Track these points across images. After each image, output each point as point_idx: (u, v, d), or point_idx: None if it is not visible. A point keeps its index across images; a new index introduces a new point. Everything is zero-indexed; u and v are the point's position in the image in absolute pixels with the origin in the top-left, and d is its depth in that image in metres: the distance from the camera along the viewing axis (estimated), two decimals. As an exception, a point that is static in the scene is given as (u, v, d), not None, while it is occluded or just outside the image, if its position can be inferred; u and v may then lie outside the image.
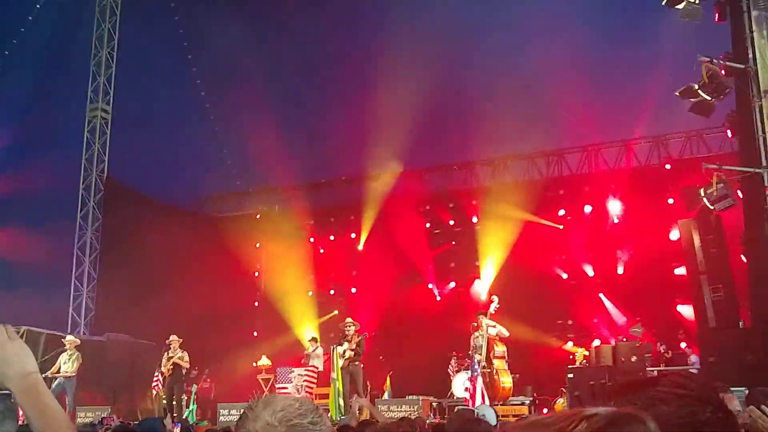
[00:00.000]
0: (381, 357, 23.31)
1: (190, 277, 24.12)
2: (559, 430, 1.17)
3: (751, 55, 13.29)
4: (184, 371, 18.05)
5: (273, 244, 27.18)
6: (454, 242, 25.49)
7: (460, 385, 18.03)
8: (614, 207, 23.11)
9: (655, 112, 22.33)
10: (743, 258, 15.27)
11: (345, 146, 28.26)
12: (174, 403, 17.68)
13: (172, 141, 25.98)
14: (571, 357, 20.64)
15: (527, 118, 24.81)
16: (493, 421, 9.00)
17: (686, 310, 20.32)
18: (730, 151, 18.58)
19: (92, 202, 24.97)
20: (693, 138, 22.80)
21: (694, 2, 13.59)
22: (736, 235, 15.32)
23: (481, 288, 24.31)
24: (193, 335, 19.45)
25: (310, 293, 26.91)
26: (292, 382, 19.09)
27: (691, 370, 17.88)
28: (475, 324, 16.29)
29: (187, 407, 18.93)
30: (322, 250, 27.16)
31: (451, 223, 25.58)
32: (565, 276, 23.69)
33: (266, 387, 20.17)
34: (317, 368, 19.28)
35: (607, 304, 22.78)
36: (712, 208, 13.67)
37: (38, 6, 24.17)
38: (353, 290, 26.48)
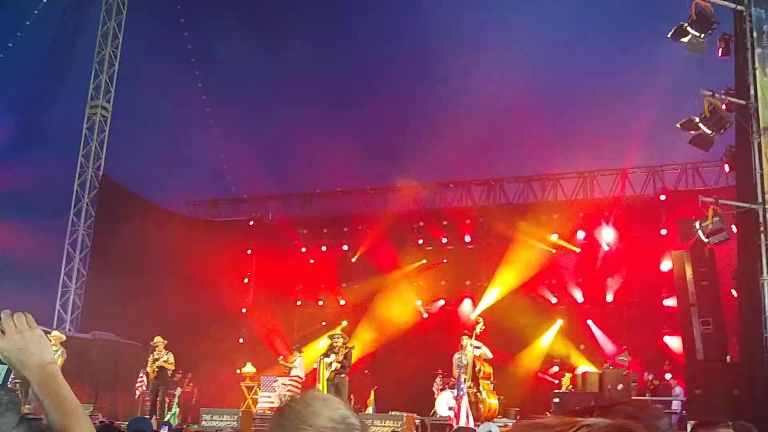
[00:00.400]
0: (366, 371, 23.24)
1: (180, 279, 24.02)
2: None
3: (752, 92, 13.40)
4: (169, 373, 17.97)
5: (264, 251, 27.12)
6: (445, 260, 25.48)
7: (444, 403, 17.96)
8: (607, 234, 23.17)
9: (651, 142, 22.53)
10: (734, 292, 15.36)
11: (341, 158, 28.33)
12: (158, 405, 17.58)
13: (170, 143, 25.98)
14: (557, 382, 20.64)
15: (524, 142, 25.02)
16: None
17: (673, 341, 20.40)
18: (725, 185, 18.73)
19: (86, 199, 24.90)
20: (688, 170, 22.94)
21: (699, 36, 13.72)
22: (727, 269, 15.42)
23: (469, 308, 24.35)
24: (179, 338, 19.36)
25: (299, 303, 26.85)
26: (275, 391, 19.03)
27: (674, 401, 17.98)
28: (461, 343, 16.28)
29: (169, 410, 18.82)
30: (312, 261, 27.09)
31: (444, 240, 25.57)
32: (554, 300, 23.71)
33: (249, 394, 20.09)
34: (301, 378, 19.21)
35: (595, 330, 22.80)
36: (706, 241, 13.75)
37: (44, 1, 24.21)
38: (342, 302, 26.42)
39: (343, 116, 29.06)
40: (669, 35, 14.01)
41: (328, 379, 16.23)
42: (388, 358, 23.67)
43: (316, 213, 27.91)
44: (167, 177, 27.48)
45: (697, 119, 13.58)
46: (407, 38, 26.80)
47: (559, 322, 23.17)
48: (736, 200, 13.93)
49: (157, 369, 17.56)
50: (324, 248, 27.00)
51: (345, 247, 26.67)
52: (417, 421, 16.89)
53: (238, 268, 27.34)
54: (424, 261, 25.56)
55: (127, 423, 8.34)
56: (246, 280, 27.77)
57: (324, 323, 25.56)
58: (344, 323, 24.44)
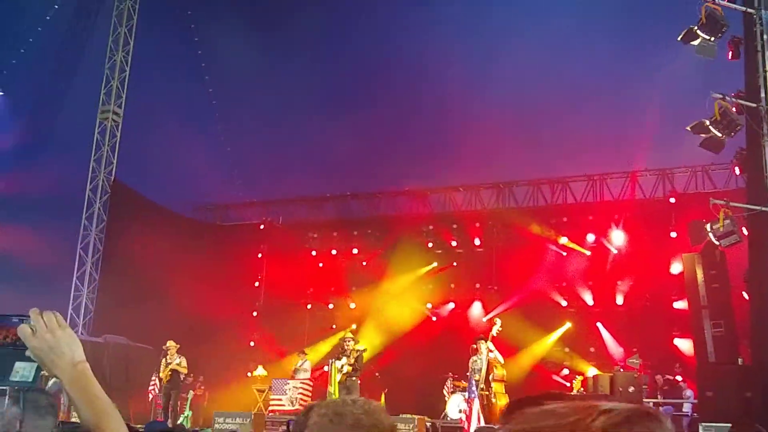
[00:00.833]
0: (377, 374, 23.29)
1: (191, 283, 24.12)
2: (576, 422, 1.14)
3: (763, 94, 13.42)
4: (182, 377, 18.06)
5: (275, 255, 27.20)
6: (455, 263, 25.50)
7: (454, 406, 18.04)
8: (617, 237, 23.17)
9: (661, 145, 22.52)
10: (745, 295, 15.35)
11: (351, 162, 28.45)
12: (170, 408, 17.67)
13: (181, 147, 26.08)
14: (569, 385, 20.65)
15: (533, 145, 25.05)
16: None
17: (683, 344, 20.39)
18: (734, 188, 18.71)
19: (98, 204, 25.04)
20: (698, 173, 22.92)
21: (709, 39, 13.75)
22: (738, 272, 15.41)
23: (479, 311, 24.39)
24: (191, 342, 19.47)
25: (309, 306, 26.93)
26: (286, 393, 19.12)
27: (685, 404, 17.98)
28: (474, 347, 16.31)
29: (182, 413, 18.93)
30: (321, 264, 27.15)
31: (454, 244, 25.61)
32: (564, 303, 23.72)
33: (261, 398, 20.16)
34: (309, 383, 19.35)
35: (605, 333, 22.81)
36: (717, 243, 13.76)
37: (56, 6, 24.40)
38: (352, 305, 26.48)
39: (352, 120, 29.14)
40: (679, 38, 14.04)
41: (339, 382, 16.32)
42: (398, 361, 23.72)
43: (326, 217, 28.00)
44: (178, 181, 27.64)
45: (708, 122, 13.60)
46: (416, 42, 26.85)
47: (569, 325, 23.19)
48: (746, 203, 13.95)
49: (169, 372, 17.65)
50: (334, 252, 27.06)
51: (355, 251, 26.74)
52: (428, 424, 16.93)
53: (249, 272, 27.44)
54: (435, 264, 25.59)
55: (142, 427, 8.41)
56: (257, 284, 27.85)
57: (334, 326, 25.63)
58: (353, 326, 24.50)
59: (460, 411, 16.97)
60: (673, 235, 21.57)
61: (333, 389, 16.30)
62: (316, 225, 27.57)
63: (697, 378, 15.96)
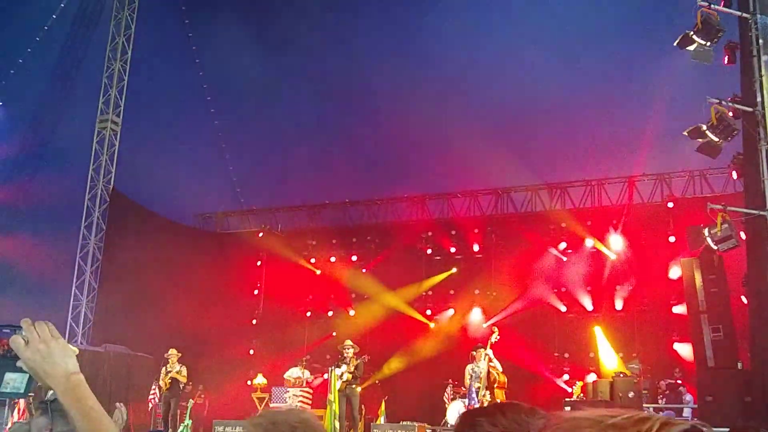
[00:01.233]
0: (377, 381, 23.28)
1: (190, 292, 24.16)
2: None
3: (759, 99, 13.45)
4: (181, 386, 18.06)
5: (274, 263, 27.20)
6: (454, 269, 25.51)
7: (455, 413, 18.00)
8: (615, 242, 23.19)
9: (658, 149, 22.59)
10: (743, 299, 15.38)
11: (349, 169, 28.49)
12: (170, 417, 17.66)
13: (179, 156, 26.16)
14: (570, 390, 20.66)
15: (531, 151, 25.10)
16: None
17: (683, 348, 20.41)
18: (732, 192, 18.76)
19: (97, 213, 25.06)
20: (696, 177, 22.95)
21: (705, 44, 13.80)
22: (737, 276, 15.44)
23: (479, 317, 24.39)
24: (190, 350, 19.47)
25: (309, 314, 26.92)
26: (286, 402, 19.09)
27: (685, 409, 17.97)
28: (473, 354, 16.31)
29: (182, 422, 18.91)
30: (318, 272, 27.14)
31: (452, 250, 25.62)
32: (563, 309, 23.73)
33: (261, 406, 20.14)
34: (310, 389, 19.34)
35: (605, 338, 22.81)
36: (715, 248, 13.78)
37: (54, 16, 24.47)
38: (351, 312, 26.48)
39: (350, 127, 29.23)
40: (675, 44, 14.09)
41: (339, 390, 16.30)
42: (398, 368, 23.73)
43: (324, 224, 28.01)
44: (177, 190, 27.64)
45: (704, 127, 13.64)
46: (414, 47, 26.96)
47: (569, 330, 23.20)
48: (744, 207, 13.98)
49: (169, 381, 17.64)
50: (333, 259, 27.05)
51: (354, 258, 26.75)
52: (428, 431, 16.93)
53: (248, 280, 27.43)
54: (455, 269, 25.48)
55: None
56: (256, 292, 27.84)
57: (334, 334, 25.60)
58: (333, 334, 24.64)
59: (461, 417, 16.94)
60: (672, 239, 21.61)
61: (333, 397, 16.29)
62: (314, 232, 27.55)
63: (697, 383, 15.97)
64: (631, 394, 16.10)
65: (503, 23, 26.47)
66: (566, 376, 22.46)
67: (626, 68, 26.22)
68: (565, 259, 23.78)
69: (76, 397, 1.99)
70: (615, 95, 25.60)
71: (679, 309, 20.05)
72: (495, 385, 15.76)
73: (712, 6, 13.98)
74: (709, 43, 13.77)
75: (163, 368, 17.98)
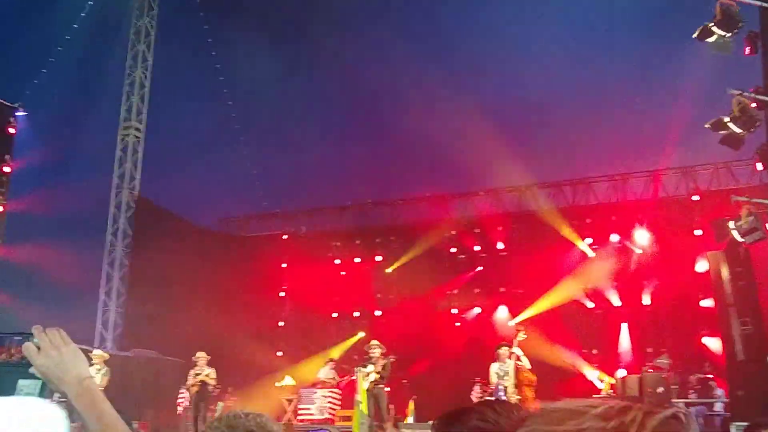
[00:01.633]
0: (404, 381, 23.29)
1: (216, 295, 24.34)
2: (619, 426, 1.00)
3: (782, 89, 13.33)
4: (210, 388, 18.14)
5: (299, 264, 27.28)
6: (481, 267, 25.45)
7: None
8: (641, 237, 23.03)
9: (683, 143, 22.38)
10: (772, 291, 15.22)
11: (372, 170, 28.52)
12: (200, 420, 17.75)
13: (202, 161, 26.33)
14: (601, 386, 20.56)
15: (554, 146, 24.98)
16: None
17: (712, 343, 20.22)
18: (758, 184, 18.55)
19: (123, 219, 25.31)
20: (721, 169, 22.73)
21: (725, 36, 13.65)
22: (764, 268, 15.27)
23: (505, 315, 24.34)
24: (218, 353, 19.54)
25: (335, 315, 26.98)
26: (315, 403, 19.14)
27: (716, 403, 17.79)
28: (498, 353, 16.23)
29: (211, 425, 18.98)
30: (343, 273, 27.19)
31: (477, 248, 25.57)
32: (590, 305, 23.61)
33: (289, 407, 20.20)
34: (339, 389, 19.37)
35: (633, 334, 22.68)
36: (741, 240, 13.65)
37: (75, 26, 24.73)
38: (377, 313, 26.52)
39: (372, 128, 29.25)
40: (695, 36, 13.94)
41: (366, 390, 16.30)
42: (426, 368, 23.72)
43: (348, 225, 28.06)
44: (200, 195, 27.87)
45: (727, 119, 13.50)
46: (434, 45, 26.93)
47: (597, 327, 23.09)
48: (769, 198, 13.85)
49: (198, 384, 17.73)
50: (357, 260, 27.10)
51: (378, 258, 26.78)
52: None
53: (274, 282, 27.54)
54: (481, 268, 25.45)
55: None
56: (282, 294, 27.95)
57: (362, 334, 25.65)
58: (361, 334, 24.66)
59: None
60: (698, 232, 21.41)
61: (361, 397, 16.30)
62: (338, 234, 27.62)
63: (728, 377, 15.83)
64: (660, 390, 15.99)
65: (525, 16, 26.37)
66: (595, 373, 22.35)
67: (649, 61, 26.00)
68: (593, 254, 23.62)
69: (90, 401, 2.03)
70: (638, 88, 25.40)
71: (707, 303, 19.86)
72: (523, 383, 15.68)
73: (733, -4, 13.83)
74: (729, 34, 13.61)
75: (192, 371, 18.06)
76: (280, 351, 26.90)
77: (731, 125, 13.48)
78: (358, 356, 21.82)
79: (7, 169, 22.18)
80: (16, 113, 22.71)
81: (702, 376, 19.29)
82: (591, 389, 20.85)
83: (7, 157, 22.23)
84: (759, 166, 15.07)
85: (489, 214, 25.69)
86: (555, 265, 23.57)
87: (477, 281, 25.51)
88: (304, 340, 25.94)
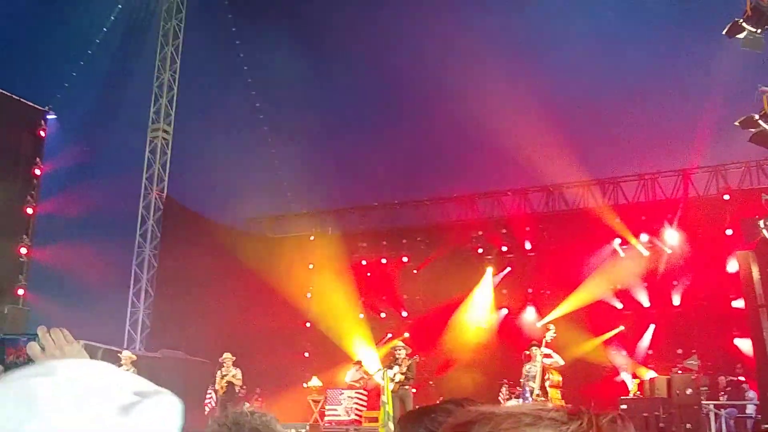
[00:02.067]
0: (431, 382, 23.23)
1: (244, 296, 24.44)
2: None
3: (813, 86, 13.09)
4: (237, 389, 18.21)
5: (325, 265, 27.31)
6: (509, 268, 25.30)
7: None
8: (671, 237, 22.76)
9: (713, 141, 22.07)
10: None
11: (397, 170, 28.47)
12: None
13: (230, 162, 26.42)
14: (632, 386, 20.31)
15: (582, 146, 24.73)
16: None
17: (744, 344, 19.90)
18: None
19: (151, 221, 25.51)
20: (752, 168, 22.41)
21: (755, 32, 13.44)
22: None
23: (533, 316, 24.18)
24: (245, 354, 19.62)
25: (362, 316, 26.98)
26: (341, 404, 19.18)
27: (749, 405, 17.51)
28: (527, 353, 16.15)
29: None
30: (369, 274, 27.17)
31: (504, 249, 25.43)
32: (619, 306, 23.37)
33: (316, 408, 20.24)
34: (365, 391, 19.36)
35: (662, 335, 22.43)
36: (772, 240, 13.44)
37: (105, 30, 24.97)
38: (404, 314, 26.48)
39: (398, 128, 29.20)
40: (724, 32, 13.75)
41: (392, 392, 16.27)
42: (452, 369, 23.64)
43: (374, 226, 28.04)
44: (228, 196, 27.97)
45: (757, 116, 13.30)
46: (461, 44, 26.76)
47: (622, 328, 22.85)
48: (801, 197, 13.61)
49: (225, 385, 17.80)
50: (384, 260, 27.09)
51: (405, 259, 26.73)
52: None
53: (300, 283, 27.56)
54: (509, 269, 25.32)
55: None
56: (308, 295, 27.99)
57: (390, 335, 25.63)
58: (406, 334, 24.50)
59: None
60: (729, 232, 21.09)
61: (387, 398, 16.27)
62: (364, 234, 27.62)
63: (758, 378, 15.59)
64: (689, 391, 15.80)
65: (549, 18, 26.17)
66: (624, 374, 22.11)
67: (678, 59, 25.69)
68: (622, 255, 23.39)
69: None
70: (666, 87, 25.11)
71: (739, 303, 19.54)
72: (548, 384, 15.57)
73: (763, -8, 13.61)
74: (759, 30, 13.40)
75: (219, 372, 18.14)
76: (307, 352, 26.96)
77: (762, 123, 13.27)
78: (384, 357, 21.79)
79: (37, 172, 22.41)
80: (47, 116, 22.95)
81: (732, 378, 18.99)
82: (619, 390, 20.58)
83: (37, 160, 22.46)
84: (790, 165, 14.82)
85: (516, 215, 25.53)
86: (583, 265, 23.37)
87: (504, 282, 25.36)
88: (331, 341, 25.94)
